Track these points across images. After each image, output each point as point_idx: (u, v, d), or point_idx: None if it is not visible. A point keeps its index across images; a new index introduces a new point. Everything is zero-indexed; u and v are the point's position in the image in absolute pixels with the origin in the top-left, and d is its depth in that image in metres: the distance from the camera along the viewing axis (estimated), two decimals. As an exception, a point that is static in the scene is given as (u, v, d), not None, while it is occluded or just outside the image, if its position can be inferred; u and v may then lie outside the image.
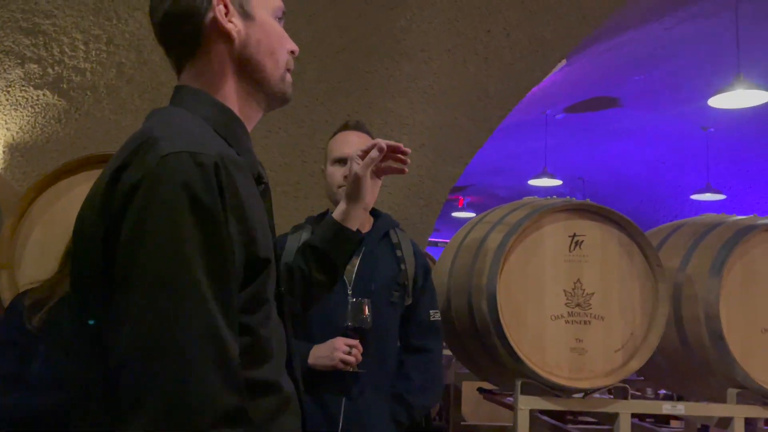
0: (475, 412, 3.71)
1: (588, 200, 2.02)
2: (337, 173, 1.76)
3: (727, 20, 5.04)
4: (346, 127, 1.82)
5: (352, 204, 1.29)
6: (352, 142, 1.76)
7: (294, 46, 1.01)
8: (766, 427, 2.96)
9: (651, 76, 6.66)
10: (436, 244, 10.12)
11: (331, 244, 1.27)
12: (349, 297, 1.66)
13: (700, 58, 5.92)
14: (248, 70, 0.94)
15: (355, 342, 1.58)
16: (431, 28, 3.10)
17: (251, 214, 0.81)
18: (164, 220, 0.74)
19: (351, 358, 1.57)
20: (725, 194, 8.93)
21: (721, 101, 5.02)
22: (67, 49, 2.74)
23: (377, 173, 1.32)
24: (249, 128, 0.96)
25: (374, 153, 1.27)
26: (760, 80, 5.11)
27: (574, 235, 2.00)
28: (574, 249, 2.00)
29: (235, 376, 0.74)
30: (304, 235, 1.79)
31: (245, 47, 0.93)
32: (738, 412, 2.02)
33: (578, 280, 1.99)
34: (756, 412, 2.05)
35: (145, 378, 0.70)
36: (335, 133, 1.84)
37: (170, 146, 0.77)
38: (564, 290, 1.98)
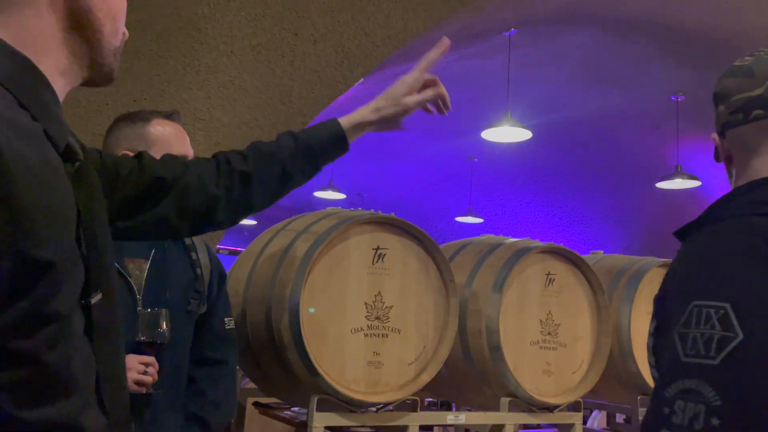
0: (246, 429, 3.56)
1: (393, 214, 2.03)
2: None
3: (500, 63, 5.65)
4: (172, 117, 1.58)
5: (379, 128, 1.29)
6: (186, 143, 1.54)
7: (126, 31, 0.83)
8: (521, 431, 3.29)
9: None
10: (218, 250, 9.72)
11: (326, 149, 1.24)
12: (140, 307, 1.43)
13: (476, 93, 6.56)
14: (83, 24, 0.73)
15: (151, 359, 1.36)
16: (236, 20, 2.92)
17: (30, 198, 0.60)
18: None
19: (147, 378, 1.35)
20: (483, 218, 10.02)
21: (491, 135, 5.59)
22: None
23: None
24: (59, 95, 0.74)
25: (431, 94, 1.29)
26: (523, 119, 5.82)
27: (378, 248, 2.00)
28: (377, 262, 1.99)
29: None
30: None
31: None
32: (509, 420, 2.19)
33: (379, 292, 1.98)
34: (524, 418, 2.24)
35: None
36: (149, 118, 1.57)
37: None
38: (365, 303, 1.96)
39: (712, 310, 0.72)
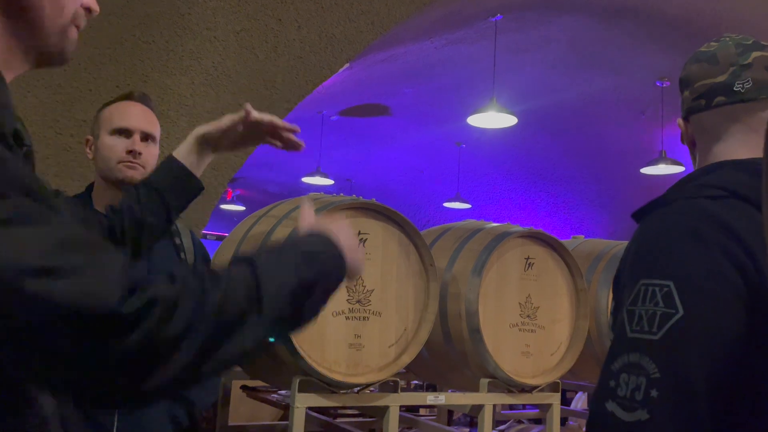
0: (234, 411, 3.60)
1: (374, 200, 2.06)
2: (118, 145, 1.54)
3: (486, 48, 5.66)
4: (129, 97, 1.61)
5: (213, 154, 1.29)
6: (137, 114, 1.56)
7: (93, 4, 0.80)
8: (502, 411, 3.35)
9: (419, 90, 7.21)
10: (205, 236, 9.69)
11: (175, 190, 1.22)
12: None
13: (462, 78, 6.57)
14: (20, 7, 0.72)
15: None
16: (219, 6, 2.92)
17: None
18: None
19: None
20: (471, 204, 10.07)
21: (477, 121, 5.61)
22: None
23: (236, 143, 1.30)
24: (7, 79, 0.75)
25: (266, 118, 1.26)
26: (509, 105, 5.84)
27: (359, 233, 2.03)
28: (359, 247, 2.02)
29: None
30: None
31: None
32: (488, 400, 2.24)
33: (360, 277, 2.02)
34: (503, 399, 2.30)
35: None
36: (112, 102, 1.61)
37: None
38: (346, 287, 1.99)
39: (657, 288, 0.75)
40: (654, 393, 0.70)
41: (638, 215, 0.92)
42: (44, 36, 0.75)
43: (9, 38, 0.73)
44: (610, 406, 0.73)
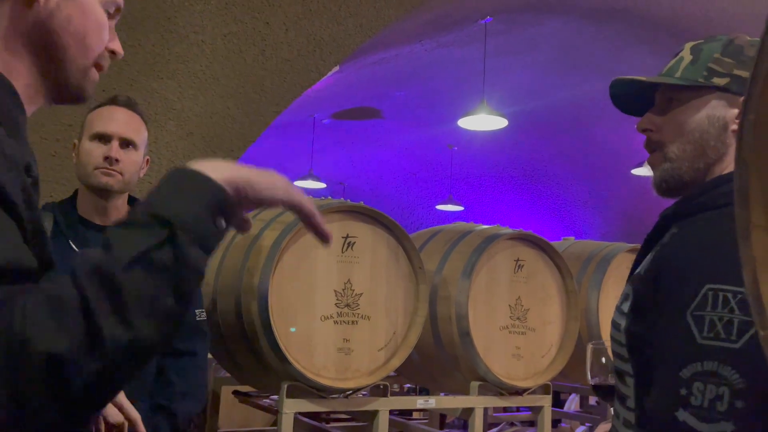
0: (227, 417, 3.57)
1: (362, 203, 2.05)
2: (95, 151, 1.51)
3: (476, 51, 5.67)
4: (114, 101, 1.58)
5: None
6: (118, 119, 1.54)
7: (117, 47, 0.81)
8: (495, 414, 3.34)
9: (410, 93, 7.21)
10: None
11: None
12: None
13: (453, 81, 6.58)
14: (46, 46, 0.73)
15: None
16: (206, 9, 2.91)
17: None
18: None
19: None
20: (463, 206, 10.07)
21: (467, 123, 5.61)
22: None
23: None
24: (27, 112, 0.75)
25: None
26: (499, 107, 5.84)
27: (347, 236, 2.02)
28: (347, 250, 2.01)
29: None
30: (45, 225, 1.51)
31: (51, 17, 0.73)
32: (479, 403, 2.23)
33: (349, 280, 2.01)
34: (493, 401, 2.29)
35: None
36: (98, 107, 1.59)
37: None
38: (335, 290, 1.98)
39: (729, 294, 0.72)
40: (740, 404, 0.67)
41: (675, 216, 0.88)
42: (67, 75, 0.76)
43: (35, 76, 0.74)
44: (682, 415, 0.70)
